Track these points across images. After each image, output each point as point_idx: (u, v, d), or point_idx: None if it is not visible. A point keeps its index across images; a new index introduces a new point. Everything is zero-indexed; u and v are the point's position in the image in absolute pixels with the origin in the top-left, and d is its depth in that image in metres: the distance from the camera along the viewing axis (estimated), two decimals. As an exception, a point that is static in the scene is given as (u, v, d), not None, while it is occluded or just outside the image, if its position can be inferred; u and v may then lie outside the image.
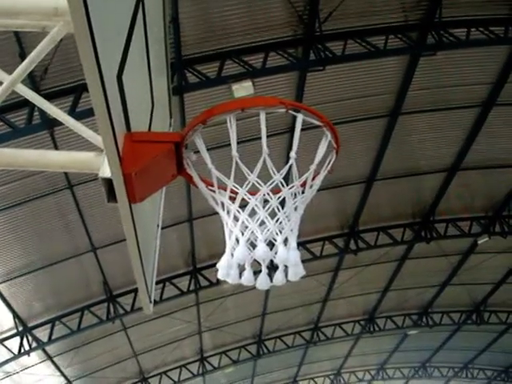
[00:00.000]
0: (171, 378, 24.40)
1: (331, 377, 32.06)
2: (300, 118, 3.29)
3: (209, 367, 24.99)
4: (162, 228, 16.62)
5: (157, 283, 17.57)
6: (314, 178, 3.50)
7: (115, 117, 2.56)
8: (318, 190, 14.71)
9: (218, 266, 3.32)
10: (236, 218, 3.24)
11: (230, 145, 3.36)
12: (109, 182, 2.95)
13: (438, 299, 24.18)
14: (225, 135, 3.46)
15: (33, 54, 3.18)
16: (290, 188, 3.28)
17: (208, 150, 3.41)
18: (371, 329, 25.29)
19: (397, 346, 28.96)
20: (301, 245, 18.51)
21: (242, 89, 11.89)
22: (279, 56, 12.21)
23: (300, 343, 25.68)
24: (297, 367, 29.76)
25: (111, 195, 3.00)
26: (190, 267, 18.60)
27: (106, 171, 2.95)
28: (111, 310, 18.01)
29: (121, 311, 18.10)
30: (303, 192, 3.43)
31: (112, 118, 2.49)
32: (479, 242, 19.18)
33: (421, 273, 22.14)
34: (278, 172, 3.27)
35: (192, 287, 18.78)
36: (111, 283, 17.63)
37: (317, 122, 3.40)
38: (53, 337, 17.59)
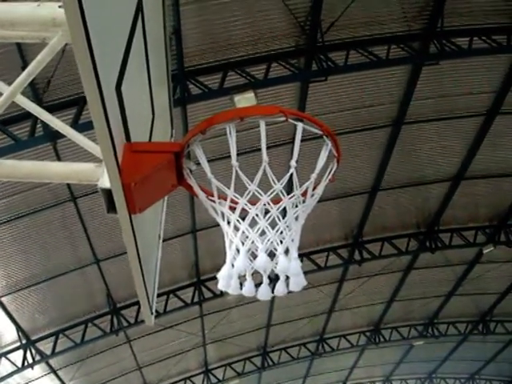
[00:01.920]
0: (175, 391, 24.28)
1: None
2: (300, 126, 3.26)
3: (213, 379, 24.84)
4: (166, 240, 16.50)
5: (160, 295, 17.50)
6: (315, 188, 3.46)
7: (114, 127, 2.53)
8: (322, 201, 14.67)
9: (218, 276, 3.28)
10: (236, 228, 3.20)
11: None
12: (108, 193, 2.92)
13: (444, 309, 24.03)
14: (226, 147, 3.44)
15: (32, 64, 3.16)
16: (291, 197, 3.24)
17: (209, 161, 3.38)
18: (376, 340, 25.13)
19: (403, 357, 28.78)
20: (305, 256, 18.50)
21: (245, 100, 11.87)
22: (281, 67, 12.22)
23: (305, 355, 25.54)
24: (302, 379, 29.58)
25: (111, 206, 2.97)
26: (194, 279, 18.54)
27: (105, 182, 2.92)
28: (115, 322, 17.93)
29: (125, 323, 18.03)
30: (304, 201, 3.38)
31: (111, 127, 2.46)
32: (484, 252, 19.08)
33: (426, 283, 22.05)
34: (280, 182, 3.22)
35: (196, 299, 18.72)
36: (115, 295, 17.57)
37: (317, 131, 3.36)
38: (56, 350, 17.50)
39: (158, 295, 19.08)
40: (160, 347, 21.53)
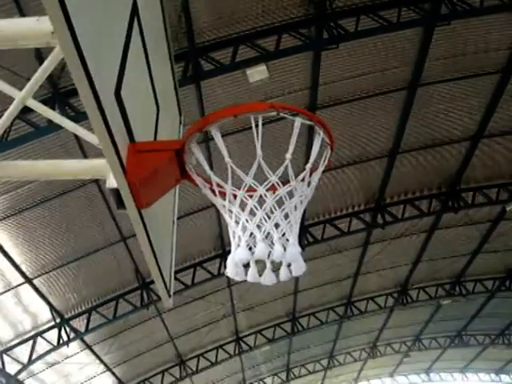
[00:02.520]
0: (208, 360, 24.82)
1: (367, 350, 32.24)
2: (298, 121, 3.33)
3: (245, 347, 25.35)
4: (191, 213, 16.63)
5: (187, 268, 17.85)
6: (311, 174, 3.55)
7: (116, 132, 2.66)
8: (342, 166, 14.70)
9: (227, 264, 3.46)
10: (237, 219, 3.35)
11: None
12: (116, 191, 3.09)
13: (470, 268, 24.05)
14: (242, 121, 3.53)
15: (38, 73, 3.31)
16: (287, 188, 3.35)
17: (227, 135, 3.50)
18: (404, 301, 25.29)
19: (431, 317, 28.96)
20: (327, 222, 18.66)
21: (257, 73, 11.92)
22: (292, 37, 12.20)
23: (334, 319, 25.86)
24: (332, 342, 30.01)
25: (120, 203, 3.14)
26: (220, 250, 18.82)
27: (112, 182, 3.09)
28: (145, 296, 18.35)
29: (154, 297, 18.42)
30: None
31: (113, 134, 2.59)
32: (508, 209, 19.00)
33: (451, 242, 22.06)
34: (275, 173, 3.32)
35: (222, 270, 19.02)
36: (143, 271, 17.93)
37: (308, 122, 3.45)
38: (90, 326, 18.02)
39: (186, 268, 19.42)
40: (191, 318, 21.99)
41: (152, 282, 18.34)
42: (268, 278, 3.43)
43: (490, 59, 14.14)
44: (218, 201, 3.41)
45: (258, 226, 3.28)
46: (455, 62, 14.19)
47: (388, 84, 14.60)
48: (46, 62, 3.30)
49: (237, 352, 25.37)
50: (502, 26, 13.23)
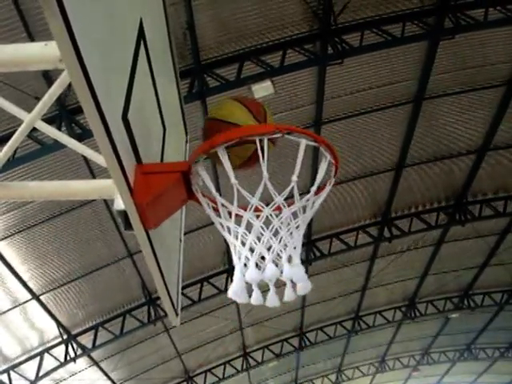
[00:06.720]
0: (216, 375, 24.69)
1: (376, 364, 32.02)
2: (303, 144, 3.33)
3: (252, 362, 25.21)
4: (198, 229, 16.57)
5: (194, 283, 17.80)
6: (317, 194, 3.54)
7: (123, 155, 2.68)
8: (349, 180, 14.69)
9: (230, 290, 3.44)
10: (244, 240, 3.36)
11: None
12: (124, 213, 3.11)
13: (478, 280, 23.93)
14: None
15: (45, 97, 3.34)
16: (293, 208, 3.35)
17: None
18: (412, 314, 25.14)
19: (440, 330, 28.75)
20: (334, 236, 18.60)
21: (262, 89, 11.98)
22: (297, 53, 12.26)
23: (342, 333, 25.72)
24: (340, 357, 29.82)
25: (128, 224, 3.16)
26: (226, 265, 18.79)
27: (119, 204, 3.12)
28: (152, 312, 18.32)
29: (161, 313, 18.39)
30: (304, 211, 3.47)
31: (120, 157, 2.61)
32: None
33: (458, 255, 21.97)
34: (281, 194, 3.32)
35: (229, 285, 18.92)
36: (150, 287, 17.92)
37: (313, 144, 3.46)
38: (97, 343, 17.98)
39: (193, 283, 19.33)
40: (198, 334, 21.91)
41: (159, 297, 18.25)
42: (273, 300, 3.41)
43: (495, 72, 14.17)
44: (222, 222, 3.42)
45: (266, 247, 3.27)
46: (460, 75, 14.22)
47: (394, 98, 14.64)
48: (53, 87, 3.34)
49: (244, 367, 25.22)
50: (507, 39, 13.27)
